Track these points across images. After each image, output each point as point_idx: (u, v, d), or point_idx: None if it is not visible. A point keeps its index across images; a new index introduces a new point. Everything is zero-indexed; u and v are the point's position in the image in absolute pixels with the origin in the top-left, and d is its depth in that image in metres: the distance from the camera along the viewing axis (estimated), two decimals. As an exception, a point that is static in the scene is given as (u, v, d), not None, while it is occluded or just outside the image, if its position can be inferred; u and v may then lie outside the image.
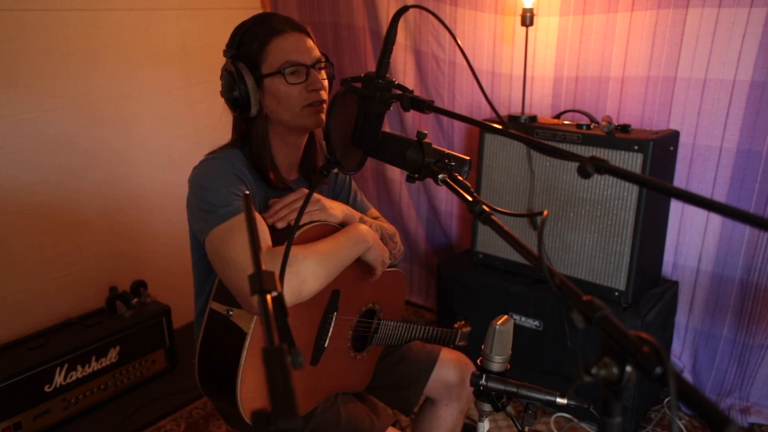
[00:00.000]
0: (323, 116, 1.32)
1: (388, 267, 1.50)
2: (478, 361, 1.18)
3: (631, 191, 2.02)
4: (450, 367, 1.57)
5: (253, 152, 1.33)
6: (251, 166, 1.33)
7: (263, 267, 1.11)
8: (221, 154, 1.31)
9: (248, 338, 1.18)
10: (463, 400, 1.60)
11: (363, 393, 1.56)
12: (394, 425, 1.45)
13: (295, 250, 1.16)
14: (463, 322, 1.75)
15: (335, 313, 1.37)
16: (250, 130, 1.33)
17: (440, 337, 1.65)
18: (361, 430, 1.35)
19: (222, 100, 1.32)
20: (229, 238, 1.17)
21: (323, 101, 1.31)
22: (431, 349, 1.61)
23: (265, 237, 1.19)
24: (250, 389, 1.19)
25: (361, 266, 1.40)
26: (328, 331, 1.36)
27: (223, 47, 1.33)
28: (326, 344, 1.37)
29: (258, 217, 1.22)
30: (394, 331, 1.56)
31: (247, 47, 1.28)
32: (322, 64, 1.33)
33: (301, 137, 1.40)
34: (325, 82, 1.33)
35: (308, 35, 1.33)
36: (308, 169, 1.46)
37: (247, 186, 1.28)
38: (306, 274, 1.16)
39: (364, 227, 1.34)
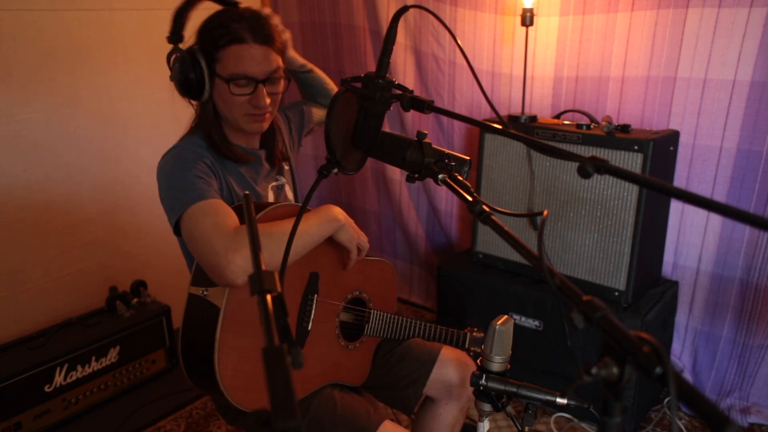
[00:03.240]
0: (265, 124, 1.38)
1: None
2: (478, 361, 1.18)
3: (631, 191, 2.02)
4: (450, 367, 1.57)
5: (208, 135, 1.37)
6: (211, 147, 1.37)
7: (239, 240, 1.13)
8: (181, 144, 1.37)
9: (221, 313, 1.19)
10: (464, 399, 1.60)
11: (361, 390, 1.56)
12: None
13: (260, 227, 1.17)
14: (475, 328, 1.74)
15: (315, 296, 1.38)
16: (204, 113, 1.38)
17: (445, 337, 1.64)
18: (357, 421, 1.35)
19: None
20: (197, 218, 1.20)
21: (265, 113, 1.35)
22: (431, 347, 1.61)
23: (232, 217, 1.22)
24: (229, 367, 1.19)
25: (339, 251, 1.41)
26: (311, 314, 1.38)
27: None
28: (309, 327, 1.37)
29: (222, 203, 1.25)
30: (388, 323, 1.56)
31: (210, 39, 1.30)
32: (277, 76, 1.35)
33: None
34: (276, 97, 1.36)
35: (271, 47, 1.32)
36: (266, 137, 1.49)
37: (211, 168, 1.32)
38: (271, 250, 1.17)
39: (336, 208, 1.35)
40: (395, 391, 1.58)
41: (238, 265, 1.13)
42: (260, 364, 1.27)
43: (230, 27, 1.29)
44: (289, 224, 1.24)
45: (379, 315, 1.54)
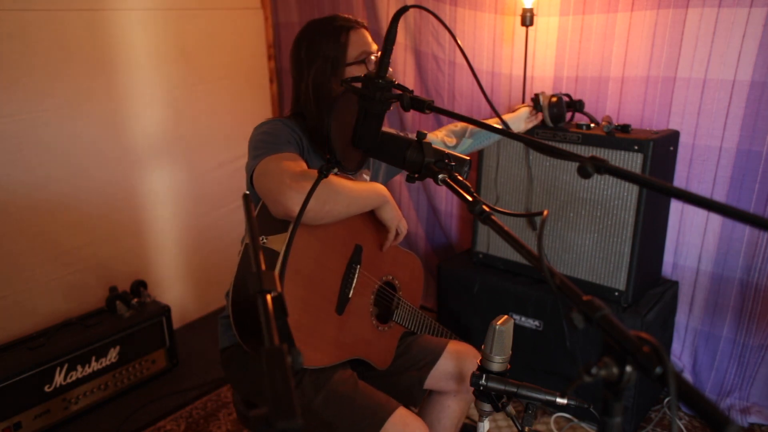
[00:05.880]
0: None
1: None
2: (478, 361, 1.19)
3: (631, 191, 2.02)
4: (455, 359, 1.59)
5: (314, 127, 1.47)
6: (306, 136, 1.47)
7: (306, 177, 1.24)
8: (282, 119, 1.48)
9: (280, 257, 1.22)
10: (471, 393, 1.61)
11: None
12: None
13: (332, 180, 1.29)
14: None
15: (359, 267, 1.45)
16: (317, 106, 1.46)
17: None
18: (376, 402, 1.37)
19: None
20: (278, 159, 1.32)
21: None
22: (439, 341, 1.64)
23: (305, 168, 1.32)
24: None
25: (380, 232, 1.49)
26: (353, 282, 1.44)
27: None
28: (350, 295, 1.44)
29: (301, 159, 1.35)
30: (413, 316, 1.63)
31: (326, 45, 1.45)
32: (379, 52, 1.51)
33: None
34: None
35: (368, 30, 1.53)
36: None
37: (300, 148, 1.42)
38: (332, 203, 1.29)
39: (384, 187, 1.46)
40: (399, 376, 1.60)
41: (297, 192, 1.22)
42: (318, 321, 1.33)
43: (338, 20, 1.48)
44: (357, 185, 1.35)
45: (407, 305, 1.61)
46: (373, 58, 1.49)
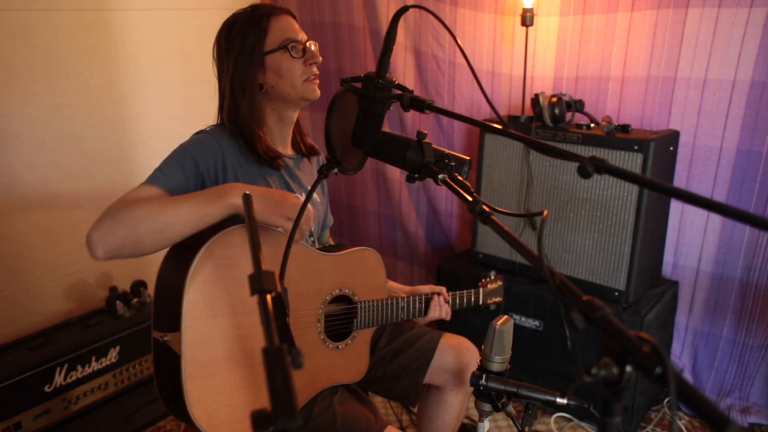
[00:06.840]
0: (318, 89, 1.42)
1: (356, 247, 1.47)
2: (478, 361, 1.19)
3: (631, 191, 2.02)
4: (452, 353, 1.57)
5: (243, 127, 1.39)
6: (239, 141, 1.39)
7: (105, 212, 1.18)
8: (210, 129, 1.41)
9: (182, 360, 1.15)
10: (468, 385, 1.59)
11: (361, 393, 1.56)
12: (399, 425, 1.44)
13: (129, 203, 1.20)
14: (491, 278, 1.69)
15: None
16: (239, 108, 1.39)
17: (457, 303, 1.62)
18: (362, 428, 1.34)
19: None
20: (137, 188, 1.24)
21: (318, 74, 1.42)
22: (431, 337, 1.61)
23: (140, 195, 1.23)
24: (203, 411, 1.17)
25: (306, 257, 1.35)
26: None
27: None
28: None
29: (156, 192, 1.23)
30: (381, 310, 1.50)
31: (245, 32, 1.37)
32: (311, 43, 1.43)
33: (295, 112, 1.47)
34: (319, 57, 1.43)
35: (294, 18, 1.44)
36: (300, 144, 1.54)
37: (222, 161, 1.33)
38: (120, 226, 1.19)
39: (236, 185, 1.24)
40: (396, 381, 1.58)
41: (90, 235, 1.19)
42: (232, 396, 1.28)
43: (260, 8, 1.39)
44: (174, 199, 1.20)
45: (368, 306, 1.47)
46: (300, 46, 1.38)
